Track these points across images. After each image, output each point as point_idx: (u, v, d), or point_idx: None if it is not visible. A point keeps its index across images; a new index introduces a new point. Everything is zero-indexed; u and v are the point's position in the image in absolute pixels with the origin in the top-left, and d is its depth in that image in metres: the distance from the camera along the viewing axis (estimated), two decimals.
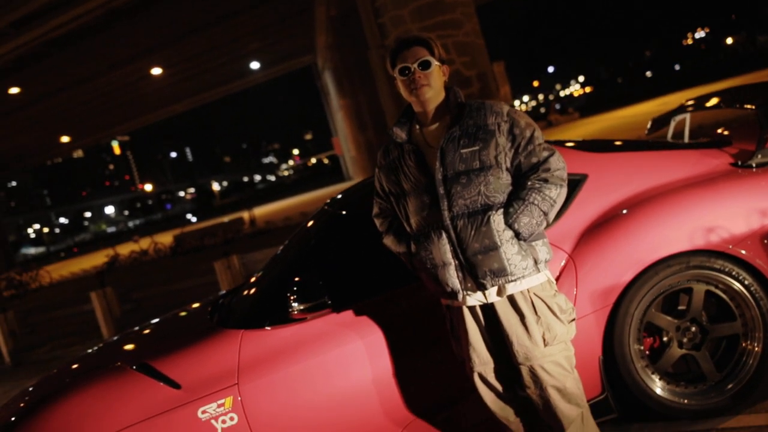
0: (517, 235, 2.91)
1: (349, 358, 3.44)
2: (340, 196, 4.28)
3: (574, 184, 3.68)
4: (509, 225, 2.90)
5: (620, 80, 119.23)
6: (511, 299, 2.96)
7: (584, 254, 3.51)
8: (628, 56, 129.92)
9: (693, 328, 3.59)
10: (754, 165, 3.78)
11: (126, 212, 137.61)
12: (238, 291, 4.51)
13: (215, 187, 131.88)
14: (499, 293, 2.95)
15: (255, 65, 45.75)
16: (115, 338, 4.64)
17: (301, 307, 3.41)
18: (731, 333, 3.60)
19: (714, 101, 4.49)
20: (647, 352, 3.59)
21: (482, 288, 2.93)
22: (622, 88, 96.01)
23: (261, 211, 38.08)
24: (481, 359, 3.09)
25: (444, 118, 3.04)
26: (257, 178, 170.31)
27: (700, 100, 4.75)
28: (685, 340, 3.60)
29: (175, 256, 25.24)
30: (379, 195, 3.32)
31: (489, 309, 3.02)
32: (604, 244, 3.50)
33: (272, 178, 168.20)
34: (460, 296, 2.99)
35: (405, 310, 3.50)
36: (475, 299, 2.99)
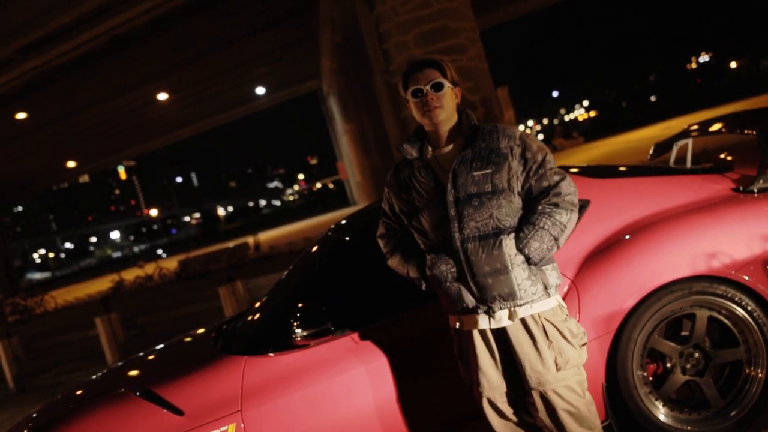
0: (528, 260, 2.91)
1: (352, 384, 3.44)
2: (343, 222, 4.30)
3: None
4: (520, 250, 2.90)
5: (625, 104, 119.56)
6: (523, 323, 2.96)
7: (587, 280, 3.51)
8: (633, 80, 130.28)
9: (696, 354, 3.59)
10: (755, 190, 3.79)
11: (131, 237, 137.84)
12: (241, 317, 4.52)
13: (220, 212, 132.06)
14: (510, 317, 2.94)
15: (260, 90, 45.95)
16: (119, 364, 4.64)
17: (305, 333, 3.42)
18: (734, 359, 3.59)
19: (717, 126, 4.51)
20: (650, 379, 3.59)
21: (491, 311, 2.93)
22: (627, 112, 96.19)
23: (266, 236, 38.07)
24: (491, 384, 3.07)
25: (456, 140, 3.06)
26: (262, 203, 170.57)
27: (704, 125, 4.76)
28: (688, 366, 3.59)
29: (180, 281, 25.25)
30: (386, 215, 3.32)
31: (500, 333, 3.01)
32: (607, 270, 3.51)
33: (277, 203, 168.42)
34: (479, 311, 2.97)
35: (408, 335, 3.51)
36: (486, 322, 2.99)
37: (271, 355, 3.57)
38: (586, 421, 3.03)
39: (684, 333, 3.61)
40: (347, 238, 3.96)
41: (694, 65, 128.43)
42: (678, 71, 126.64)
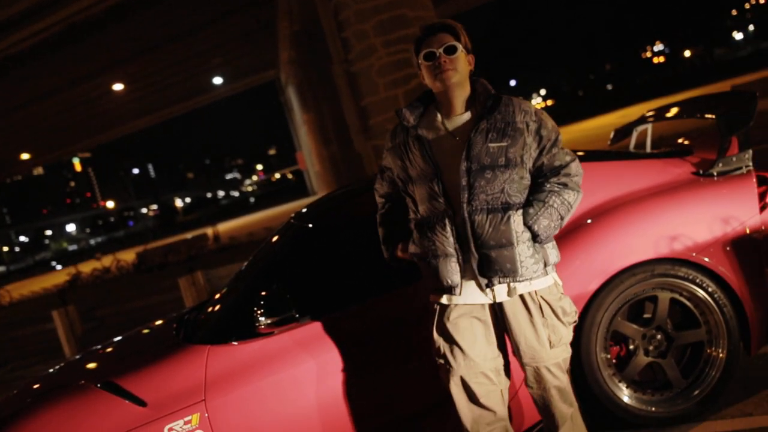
0: (535, 237, 2.91)
1: (317, 371, 3.41)
2: (305, 210, 4.26)
3: None
4: (528, 226, 2.89)
5: (581, 93, 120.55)
6: (521, 299, 2.96)
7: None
8: (589, 70, 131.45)
9: (658, 336, 3.63)
10: (715, 174, 3.83)
11: (88, 230, 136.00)
12: (203, 307, 4.46)
13: (178, 203, 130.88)
14: (509, 293, 2.94)
15: (218, 80, 45.49)
16: (78, 357, 4.56)
17: (268, 321, 3.37)
18: (696, 340, 3.63)
19: (675, 111, 4.55)
20: (614, 361, 3.62)
21: (489, 285, 2.91)
22: (584, 101, 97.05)
23: (225, 227, 37.81)
24: (467, 362, 3.01)
25: (471, 109, 3.00)
26: (221, 194, 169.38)
27: (661, 111, 4.80)
28: (650, 348, 3.63)
29: (138, 273, 24.96)
30: (384, 177, 3.29)
31: (494, 308, 3.02)
32: (570, 253, 3.52)
33: (236, 193, 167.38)
34: (458, 290, 2.95)
35: (374, 322, 3.49)
36: (482, 298, 2.97)
37: (235, 343, 3.52)
38: (569, 396, 3.10)
39: (646, 315, 3.64)
40: (310, 225, 3.92)
41: (648, 54, 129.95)
42: (633, 60, 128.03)
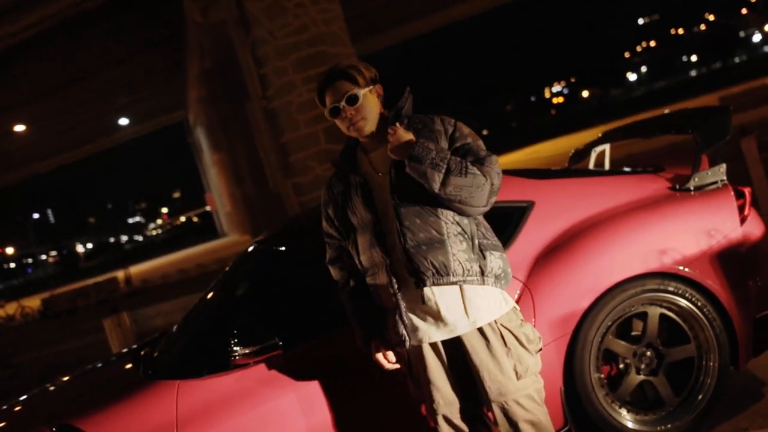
0: (411, 156, 2.66)
1: (299, 403, 3.18)
2: (273, 234, 4.03)
3: (522, 211, 3.58)
4: (411, 142, 2.69)
5: (486, 132, 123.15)
6: (480, 332, 2.78)
7: (540, 282, 3.39)
8: (491, 109, 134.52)
9: (648, 353, 3.53)
10: (692, 188, 3.79)
11: None
12: (157, 342, 4.16)
13: (79, 248, 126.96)
14: (466, 324, 2.76)
15: (124, 121, 44.60)
16: (23, 398, 4.16)
17: (246, 351, 3.13)
18: (686, 356, 3.55)
19: (642, 128, 4.55)
20: (606, 381, 3.50)
21: (422, 284, 2.70)
22: (490, 139, 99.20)
23: (135, 269, 36.73)
24: (446, 400, 2.89)
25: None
26: (124, 238, 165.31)
27: (621, 130, 4.81)
28: (642, 366, 3.52)
29: (45, 319, 23.89)
30: (331, 236, 3.06)
31: (453, 345, 2.84)
32: (560, 270, 3.40)
33: (140, 238, 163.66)
34: (407, 344, 2.80)
35: (353, 350, 3.27)
36: (440, 334, 2.79)
37: (207, 377, 3.26)
38: (546, 430, 2.89)
39: (635, 333, 3.55)
40: (282, 249, 3.69)
41: (548, 94, 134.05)
42: (534, 101, 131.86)
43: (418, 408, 3.06)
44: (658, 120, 4.73)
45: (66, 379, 4.27)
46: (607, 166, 4.81)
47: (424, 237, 2.71)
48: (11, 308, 27.74)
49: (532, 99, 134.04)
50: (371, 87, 2.83)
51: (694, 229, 3.59)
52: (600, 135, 4.95)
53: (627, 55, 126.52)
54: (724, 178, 3.82)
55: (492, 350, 2.78)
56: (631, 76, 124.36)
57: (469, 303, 2.75)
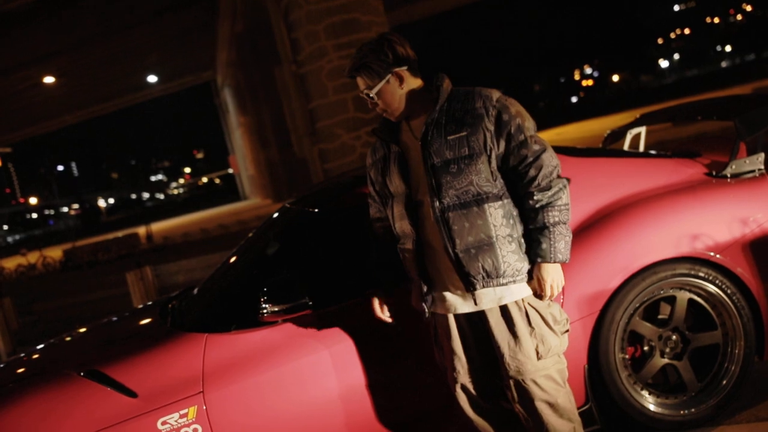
0: (566, 261, 2.81)
1: (325, 364, 3.21)
2: (305, 196, 4.05)
3: None
4: (558, 262, 2.78)
5: None
6: (504, 309, 2.80)
7: (571, 260, 3.38)
8: (519, 89, 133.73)
9: (674, 337, 3.53)
10: (728, 175, 3.77)
11: (5, 227, 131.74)
12: (186, 295, 4.21)
13: (101, 203, 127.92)
14: (497, 301, 2.79)
15: (152, 79, 44.68)
16: (51, 342, 4.23)
17: (275, 309, 3.16)
18: (712, 342, 3.55)
19: (679, 113, 4.51)
20: (630, 362, 3.51)
21: (472, 288, 2.74)
22: None
23: (156, 227, 37.03)
24: (465, 370, 2.94)
25: (429, 107, 2.85)
26: (146, 195, 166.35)
27: (658, 114, 4.77)
28: (667, 349, 3.53)
29: (65, 270, 24.15)
30: (372, 196, 3.11)
31: (478, 318, 2.86)
32: (592, 249, 3.40)
33: (161, 196, 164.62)
34: (426, 312, 2.87)
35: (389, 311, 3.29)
36: (465, 306, 2.82)
37: (235, 332, 3.29)
38: (566, 412, 2.90)
39: (661, 316, 3.55)
40: (316, 210, 3.71)
41: (577, 77, 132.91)
42: (564, 82, 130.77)
43: (444, 374, 3.08)
44: (700, 105, 4.68)
45: (93, 327, 4.34)
46: (641, 149, 4.78)
47: (474, 240, 2.72)
48: (33, 257, 28.03)
49: (562, 80, 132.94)
50: (388, 77, 2.81)
51: (728, 217, 3.57)
52: (638, 116, 4.93)
53: (660, 41, 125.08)
54: (762, 167, 3.79)
55: (515, 328, 2.80)
56: (663, 63, 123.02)
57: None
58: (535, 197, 2.76)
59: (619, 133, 5.00)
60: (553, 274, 2.78)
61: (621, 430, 3.50)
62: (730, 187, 3.69)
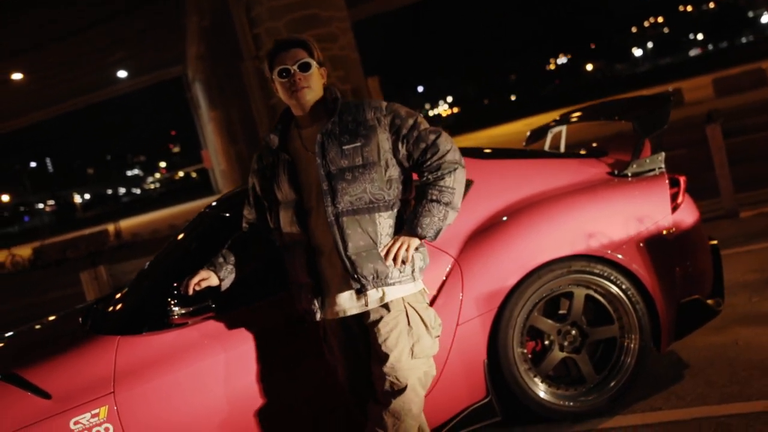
0: (423, 238, 2.87)
1: (230, 364, 3.32)
2: (219, 201, 4.15)
3: None
4: (414, 232, 2.85)
5: (487, 101, 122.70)
6: (386, 307, 2.89)
7: (470, 258, 3.53)
8: (494, 79, 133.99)
9: (573, 332, 3.68)
10: (629, 174, 3.92)
11: None
12: (110, 298, 4.30)
13: (77, 199, 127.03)
14: (381, 299, 2.89)
15: (122, 74, 44.40)
16: None
17: (182, 312, 3.26)
18: (609, 336, 3.70)
19: (591, 113, 4.65)
20: (530, 356, 3.65)
21: (363, 289, 2.85)
22: (489, 109, 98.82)
23: (127, 223, 36.90)
24: (352, 369, 3.08)
25: (322, 119, 2.95)
26: (122, 191, 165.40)
27: (577, 113, 4.90)
28: (566, 343, 3.67)
29: (34, 269, 24.08)
30: (248, 202, 3.23)
31: (360, 318, 2.96)
32: (490, 248, 3.54)
33: (137, 191, 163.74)
34: (317, 316, 2.97)
35: (291, 314, 3.41)
36: (356, 308, 2.92)
37: (146, 334, 3.40)
38: (419, 415, 2.96)
39: (562, 311, 3.69)
40: (227, 214, 3.82)
41: (552, 66, 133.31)
42: (537, 71, 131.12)
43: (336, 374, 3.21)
44: (605, 106, 4.84)
45: (20, 330, 4.43)
46: (562, 148, 4.91)
47: (364, 245, 2.84)
48: (2, 256, 27.90)
49: (532, 70, 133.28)
50: (320, 67, 2.96)
51: (624, 215, 3.72)
52: (558, 117, 5.06)
53: (634, 29, 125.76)
54: (662, 166, 3.94)
55: (395, 325, 2.88)
56: (637, 52, 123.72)
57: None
58: (423, 176, 2.92)
59: (540, 133, 5.13)
60: (403, 242, 2.87)
61: (521, 421, 3.65)
62: (628, 186, 3.84)
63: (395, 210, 2.90)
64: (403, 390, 2.89)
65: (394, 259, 2.84)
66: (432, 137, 2.89)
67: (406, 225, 2.89)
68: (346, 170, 2.83)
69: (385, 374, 2.90)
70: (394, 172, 2.90)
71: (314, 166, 2.89)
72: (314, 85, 2.92)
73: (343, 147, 2.85)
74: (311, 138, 2.94)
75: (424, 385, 2.96)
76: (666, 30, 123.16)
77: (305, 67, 2.89)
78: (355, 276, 2.84)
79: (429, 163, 2.88)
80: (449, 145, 2.91)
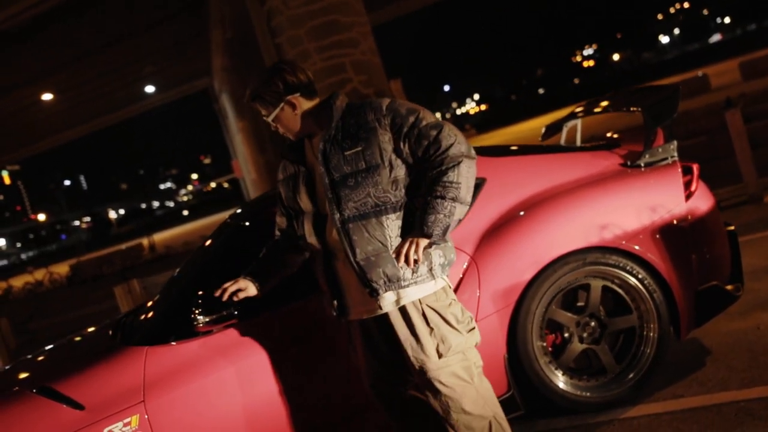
0: (431, 237, 2.83)
1: (258, 368, 3.41)
2: (241, 210, 4.25)
3: (474, 188, 3.75)
4: (422, 231, 2.82)
5: (514, 97, 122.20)
6: (403, 310, 2.91)
7: (486, 256, 3.58)
8: (521, 74, 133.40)
9: (592, 323, 3.71)
10: (642, 164, 3.94)
11: (18, 244, 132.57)
12: (139, 310, 4.41)
13: (112, 215, 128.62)
14: (397, 302, 2.90)
15: (150, 89, 44.89)
16: (12, 365, 4.46)
17: (207, 320, 3.35)
18: (628, 326, 3.73)
19: (603, 105, 4.67)
20: (550, 349, 3.69)
21: (375, 293, 2.87)
22: (517, 105, 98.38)
23: (161, 236, 37.38)
24: (374, 370, 3.13)
25: (328, 126, 2.97)
26: (155, 204, 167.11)
27: (589, 106, 4.92)
28: (585, 335, 3.71)
29: (72, 286, 24.47)
30: (280, 211, 3.29)
31: (382, 319, 2.98)
32: (505, 244, 3.59)
33: (171, 203, 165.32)
34: (339, 319, 3.07)
35: (314, 319, 3.50)
36: (372, 312, 2.96)
37: (174, 343, 3.50)
38: (477, 407, 2.95)
39: (580, 303, 3.73)
40: (247, 223, 3.92)
41: (579, 58, 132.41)
42: (564, 64, 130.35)
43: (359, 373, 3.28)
44: (616, 98, 4.85)
45: (56, 344, 4.56)
46: (578, 141, 4.94)
47: (372, 249, 2.86)
48: (40, 274, 28.37)
49: (559, 64, 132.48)
50: (281, 105, 2.98)
51: (638, 205, 3.74)
52: (572, 111, 5.09)
53: (660, 17, 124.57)
54: (675, 155, 3.96)
55: (414, 328, 2.90)
56: (664, 39, 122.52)
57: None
58: (428, 173, 2.89)
59: (555, 127, 5.16)
60: (411, 242, 2.85)
61: (543, 413, 3.70)
62: (640, 176, 3.87)
63: (404, 210, 2.90)
64: (438, 391, 2.91)
65: (406, 261, 2.84)
66: (433, 133, 2.85)
67: (415, 224, 2.89)
68: (349, 176, 2.86)
69: (418, 375, 2.95)
70: (401, 172, 2.89)
71: (321, 174, 2.93)
72: (287, 125, 3.02)
73: (345, 153, 2.86)
74: (318, 146, 2.98)
75: (467, 379, 2.93)
76: (692, 15, 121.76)
77: (268, 120, 3.05)
78: (366, 281, 2.87)
79: (432, 159, 2.85)
80: (452, 139, 2.85)
